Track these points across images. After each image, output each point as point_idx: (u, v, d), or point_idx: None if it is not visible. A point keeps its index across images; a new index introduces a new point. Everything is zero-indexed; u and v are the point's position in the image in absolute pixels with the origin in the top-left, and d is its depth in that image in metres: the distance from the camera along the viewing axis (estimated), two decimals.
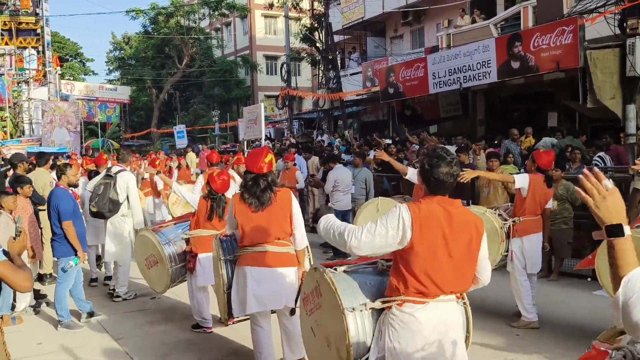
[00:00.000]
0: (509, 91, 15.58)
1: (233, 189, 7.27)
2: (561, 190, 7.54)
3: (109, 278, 7.62)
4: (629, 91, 10.65)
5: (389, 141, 13.79)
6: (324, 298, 3.17)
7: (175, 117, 41.33)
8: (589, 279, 7.37)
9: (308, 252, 4.43)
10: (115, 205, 6.88)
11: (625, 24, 10.47)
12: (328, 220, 3.07)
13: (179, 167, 15.18)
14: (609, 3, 11.12)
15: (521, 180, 5.61)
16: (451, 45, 16.78)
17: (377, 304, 2.93)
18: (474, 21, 17.34)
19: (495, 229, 5.67)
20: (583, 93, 10.99)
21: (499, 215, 5.85)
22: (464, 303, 3.01)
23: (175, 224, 6.10)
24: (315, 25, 25.37)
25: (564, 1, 13.69)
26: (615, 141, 10.44)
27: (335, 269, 3.22)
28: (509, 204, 6.13)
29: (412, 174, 6.82)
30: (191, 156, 19.73)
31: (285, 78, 25.80)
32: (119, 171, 7.14)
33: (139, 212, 7.05)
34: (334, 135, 21.28)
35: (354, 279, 3.15)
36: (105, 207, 6.83)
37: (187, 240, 5.73)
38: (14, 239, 2.87)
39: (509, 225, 5.72)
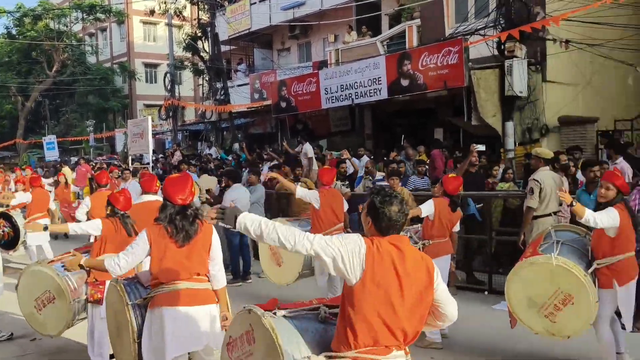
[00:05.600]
0: (395, 107, 16.04)
1: None
2: None
3: None
4: (507, 109, 11.37)
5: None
6: (257, 346, 2.85)
7: (44, 127, 38.33)
8: (486, 293, 7.66)
9: None
10: None
11: (503, 47, 11.18)
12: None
13: (56, 184, 13.69)
14: (488, 26, 11.82)
15: (427, 208, 5.86)
16: (340, 60, 17.00)
17: (322, 359, 2.69)
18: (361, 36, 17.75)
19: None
20: (468, 111, 11.56)
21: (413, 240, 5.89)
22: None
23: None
24: (199, 34, 24.63)
25: (445, 22, 14.40)
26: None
27: (275, 313, 2.90)
28: (419, 225, 6.20)
29: (302, 194, 6.83)
30: (66, 172, 18.12)
31: (168, 88, 24.79)
32: None
33: None
34: (221, 148, 20.72)
35: (294, 326, 2.86)
36: None
37: (88, 272, 5.14)
38: None
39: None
